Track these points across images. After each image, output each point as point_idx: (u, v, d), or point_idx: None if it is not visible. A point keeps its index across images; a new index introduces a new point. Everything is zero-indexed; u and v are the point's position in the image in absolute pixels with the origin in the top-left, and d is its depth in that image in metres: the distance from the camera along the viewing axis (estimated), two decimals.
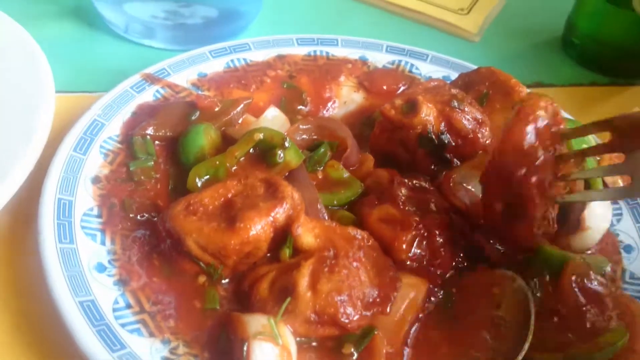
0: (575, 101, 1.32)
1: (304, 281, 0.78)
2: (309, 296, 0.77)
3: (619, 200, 0.89)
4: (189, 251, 0.81)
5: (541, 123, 0.82)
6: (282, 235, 0.84)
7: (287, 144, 0.95)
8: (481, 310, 0.85)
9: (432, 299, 0.87)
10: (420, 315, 0.85)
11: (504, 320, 0.83)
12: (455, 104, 0.99)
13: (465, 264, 0.91)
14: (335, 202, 0.96)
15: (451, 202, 0.95)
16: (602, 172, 0.89)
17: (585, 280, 0.85)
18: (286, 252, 0.82)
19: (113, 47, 1.29)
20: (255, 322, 0.75)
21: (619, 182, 1.00)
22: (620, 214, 1.00)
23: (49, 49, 1.12)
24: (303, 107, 1.14)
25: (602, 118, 1.21)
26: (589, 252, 0.95)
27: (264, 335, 0.74)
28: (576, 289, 0.84)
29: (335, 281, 0.78)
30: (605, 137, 0.84)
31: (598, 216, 0.92)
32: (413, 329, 0.84)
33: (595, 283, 0.85)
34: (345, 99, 1.17)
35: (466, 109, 0.98)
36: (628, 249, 0.96)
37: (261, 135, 0.95)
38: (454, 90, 1.02)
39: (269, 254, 0.85)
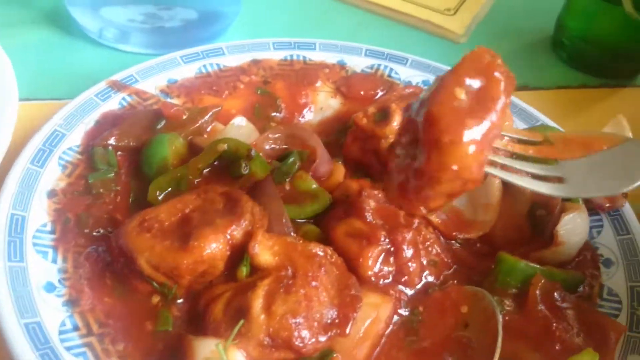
0: (563, 104, 1.27)
1: (257, 303, 0.74)
2: (263, 319, 0.74)
3: (546, 194, 0.79)
4: (140, 270, 0.78)
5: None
6: (240, 252, 0.80)
7: (252, 155, 0.92)
8: (448, 330, 0.82)
9: (397, 317, 0.83)
10: (384, 335, 0.81)
11: (470, 341, 0.80)
12: None
13: (434, 280, 0.87)
14: (302, 215, 0.92)
15: (423, 215, 0.92)
16: (535, 169, 0.79)
17: (553, 298, 0.81)
18: (243, 271, 0.79)
19: (87, 52, 1.26)
20: (205, 346, 0.72)
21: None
22: (601, 226, 0.96)
23: (21, 55, 1.10)
24: (277, 114, 1.11)
25: (591, 121, 1.18)
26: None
27: None
28: (542, 307, 0.80)
29: (291, 302, 0.75)
30: None
31: (572, 230, 0.88)
32: (376, 350, 0.80)
33: (564, 300, 0.82)
34: (322, 104, 1.14)
35: None
36: (607, 263, 0.92)
37: (225, 146, 0.92)
38: None
39: (226, 272, 0.81)
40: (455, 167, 0.68)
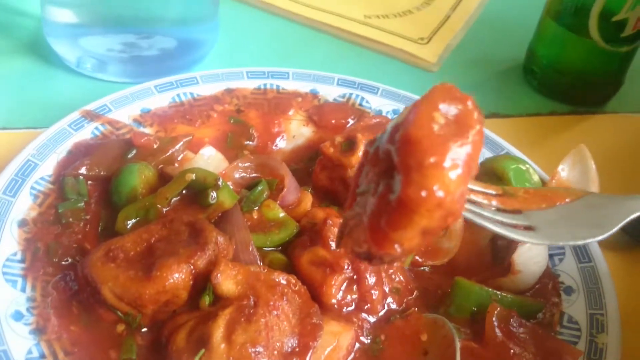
0: (533, 131, 1.30)
1: (218, 332, 0.76)
2: (223, 348, 0.75)
3: (523, 240, 0.81)
4: (104, 300, 0.80)
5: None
6: (204, 281, 0.82)
7: (220, 184, 0.94)
8: (408, 358, 0.83)
9: (359, 345, 0.85)
10: None
11: None
12: None
13: (397, 307, 0.89)
14: (269, 244, 0.94)
15: (399, 256, 0.93)
16: (503, 218, 0.77)
17: (509, 324, 0.83)
18: (206, 300, 0.81)
19: (65, 81, 1.27)
20: None
21: None
22: (563, 254, 0.97)
23: None
24: (250, 142, 1.13)
25: (559, 148, 1.20)
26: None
27: None
28: (499, 334, 0.82)
29: (251, 331, 0.77)
30: None
31: (529, 260, 0.90)
32: None
33: (520, 326, 0.83)
34: (294, 133, 1.16)
35: None
36: (568, 290, 0.93)
37: (193, 176, 0.94)
38: None
39: (190, 302, 0.83)
40: (440, 193, 0.61)
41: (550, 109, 1.36)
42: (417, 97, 1.19)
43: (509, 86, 1.41)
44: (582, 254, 0.97)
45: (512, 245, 0.92)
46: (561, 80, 1.35)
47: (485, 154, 1.10)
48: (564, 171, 1.03)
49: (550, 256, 0.96)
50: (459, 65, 1.45)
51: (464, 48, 1.51)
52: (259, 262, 0.89)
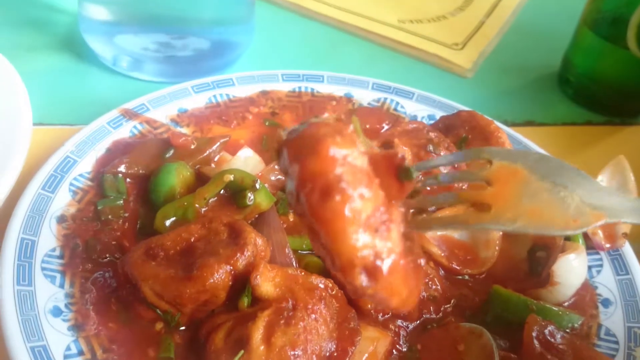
0: (568, 140, 1.29)
1: (257, 334, 0.76)
2: (262, 350, 0.75)
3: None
4: (145, 297, 0.80)
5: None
6: (243, 282, 0.82)
7: (257, 186, 0.94)
8: None
9: (395, 352, 0.84)
10: None
11: None
12: (431, 148, 0.97)
13: (433, 316, 0.89)
14: (304, 246, 0.94)
15: (426, 251, 0.94)
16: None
17: (548, 335, 0.82)
18: (244, 301, 0.81)
19: (101, 79, 1.29)
20: None
21: (599, 232, 0.98)
22: (601, 266, 0.97)
23: (35, 80, 1.12)
24: None
25: (594, 158, 1.19)
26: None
27: None
28: (537, 345, 0.81)
29: (290, 334, 0.76)
30: None
31: (569, 272, 0.89)
32: None
33: (559, 339, 0.82)
34: None
35: (442, 153, 0.97)
36: (606, 303, 0.92)
37: (231, 177, 0.94)
38: (431, 134, 1.00)
39: (228, 302, 0.83)
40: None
41: (585, 118, 1.35)
42: (452, 102, 1.19)
43: (544, 94, 1.40)
44: (619, 266, 0.97)
45: (551, 256, 0.92)
46: (597, 90, 1.34)
47: None
48: (603, 182, 1.02)
49: (588, 268, 0.95)
50: (493, 72, 1.44)
51: (499, 54, 1.50)
52: (295, 264, 0.89)
